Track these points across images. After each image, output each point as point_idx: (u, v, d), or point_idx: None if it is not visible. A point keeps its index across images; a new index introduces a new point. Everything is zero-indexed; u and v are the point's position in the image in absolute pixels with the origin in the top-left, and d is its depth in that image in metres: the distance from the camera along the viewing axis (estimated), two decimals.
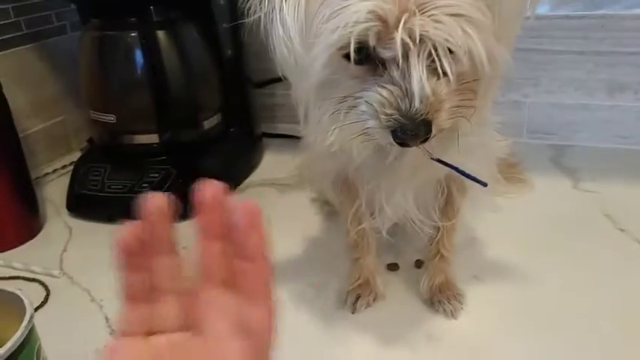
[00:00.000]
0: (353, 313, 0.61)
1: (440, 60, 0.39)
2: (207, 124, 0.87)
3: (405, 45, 0.39)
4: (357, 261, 0.64)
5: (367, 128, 0.43)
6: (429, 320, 0.60)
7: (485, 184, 0.51)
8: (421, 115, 0.40)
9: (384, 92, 0.41)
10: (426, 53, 0.39)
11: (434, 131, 0.41)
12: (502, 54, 0.42)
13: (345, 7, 0.39)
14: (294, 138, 1.05)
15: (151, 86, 0.80)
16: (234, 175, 0.93)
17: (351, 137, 0.45)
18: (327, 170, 0.59)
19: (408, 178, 0.53)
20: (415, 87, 0.39)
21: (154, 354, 0.32)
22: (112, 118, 0.82)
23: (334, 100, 0.45)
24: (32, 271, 0.72)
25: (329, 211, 0.80)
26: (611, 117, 0.96)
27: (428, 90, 0.40)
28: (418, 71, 0.39)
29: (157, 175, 0.82)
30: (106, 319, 0.63)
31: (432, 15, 0.38)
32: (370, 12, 0.38)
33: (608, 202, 0.79)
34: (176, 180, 0.81)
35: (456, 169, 0.50)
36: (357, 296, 0.62)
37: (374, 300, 0.62)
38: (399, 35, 0.38)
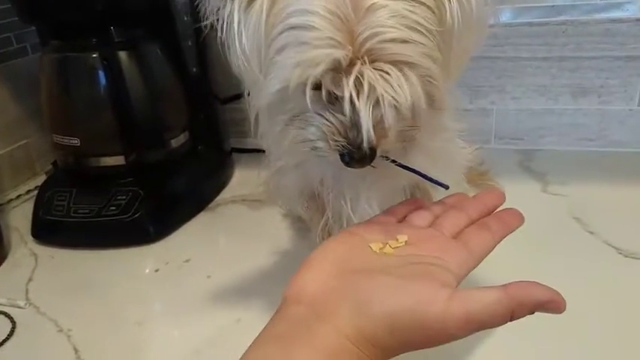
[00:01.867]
0: None
1: (385, 109, 0.42)
2: (175, 143, 0.86)
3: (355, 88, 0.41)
4: None
5: (316, 147, 0.46)
6: None
7: (446, 187, 0.51)
8: (368, 143, 0.43)
9: (335, 121, 0.43)
10: (373, 100, 0.41)
11: (378, 154, 0.44)
12: (448, 91, 0.45)
13: (302, 51, 0.40)
14: (264, 152, 1.04)
15: (114, 107, 0.78)
16: (205, 193, 0.91)
17: (301, 151, 0.47)
18: (292, 185, 0.58)
19: (371, 185, 0.53)
20: (363, 129, 0.42)
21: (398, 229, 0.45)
22: (76, 141, 0.80)
23: (286, 116, 0.47)
24: None
25: (301, 227, 0.80)
26: (576, 120, 0.97)
27: (372, 133, 0.42)
28: (365, 117, 0.41)
29: (124, 197, 0.80)
30: (75, 349, 0.61)
31: (380, 67, 0.40)
32: (326, 60, 0.40)
33: (577, 205, 0.80)
34: (144, 201, 0.80)
35: (416, 171, 0.50)
36: None
37: None
38: (350, 85, 0.40)
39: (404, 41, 0.40)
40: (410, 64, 0.40)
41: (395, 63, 0.40)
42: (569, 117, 0.97)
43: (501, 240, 0.47)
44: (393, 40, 0.40)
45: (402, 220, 0.49)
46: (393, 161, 0.49)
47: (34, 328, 0.66)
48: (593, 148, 0.98)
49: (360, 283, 0.38)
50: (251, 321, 0.64)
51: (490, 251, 0.46)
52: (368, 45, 0.40)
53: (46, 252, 0.81)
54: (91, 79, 0.78)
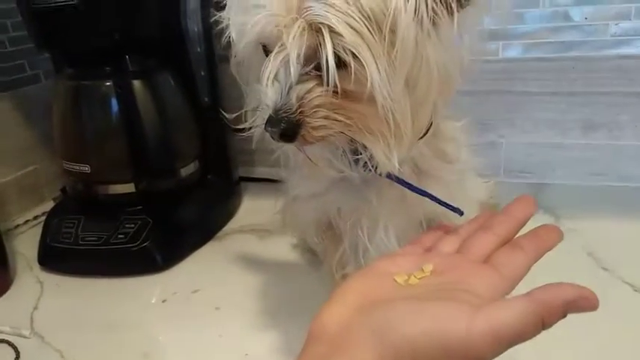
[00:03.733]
0: None
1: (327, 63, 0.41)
2: (185, 172, 0.86)
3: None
4: None
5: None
6: None
7: (461, 213, 0.50)
8: (284, 112, 0.42)
9: (269, 88, 0.44)
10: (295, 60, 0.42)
11: (306, 135, 0.44)
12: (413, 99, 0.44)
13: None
14: (272, 182, 1.04)
15: (126, 135, 0.78)
16: (213, 222, 0.91)
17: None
18: (309, 214, 0.58)
19: (388, 215, 0.53)
20: (267, 88, 0.43)
21: (424, 259, 0.43)
22: (87, 168, 0.80)
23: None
24: (0, 332, 0.69)
25: (310, 258, 0.79)
26: (586, 155, 0.97)
27: (282, 92, 0.42)
28: (270, 69, 0.42)
29: (133, 225, 0.79)
30: None
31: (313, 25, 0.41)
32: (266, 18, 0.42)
33: (590, 240, 0.79)
34: (153, 230, 0.79)
35: (429, 195, 0.50)
36: None
37: None
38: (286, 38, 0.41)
39: (326, 4, 0.40)
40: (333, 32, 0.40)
41: (312, 26, 0.41)
42: (579, 151, 0.97)
43: (538, 259, 0.43)
44: (318, 3, 0.40)
45: (429, 249, 0.47)
46: (409, 185, 0.48)
47: (39, 358, 0.65)
48: (603, 183, 0.97)
49: (379, 312, 0.36)
50: (259, 356, 0.62)
51: (525, 272, 0.42)
52: (307, 13, 0.41)
53: (52, 280, 0.80)
54: (104, 107, 0.79)
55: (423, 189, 0.49)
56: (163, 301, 0.74)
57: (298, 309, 0.70)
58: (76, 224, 0.81)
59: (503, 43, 0.93)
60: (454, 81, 0.46)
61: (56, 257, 0.81)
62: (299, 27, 0.41)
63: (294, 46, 0.41)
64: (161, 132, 0.80)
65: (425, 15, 0.41)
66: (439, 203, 0.50)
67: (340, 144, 0.48)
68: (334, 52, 0.40)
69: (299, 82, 0.43)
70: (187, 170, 0.86)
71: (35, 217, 0.97)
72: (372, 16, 0.41)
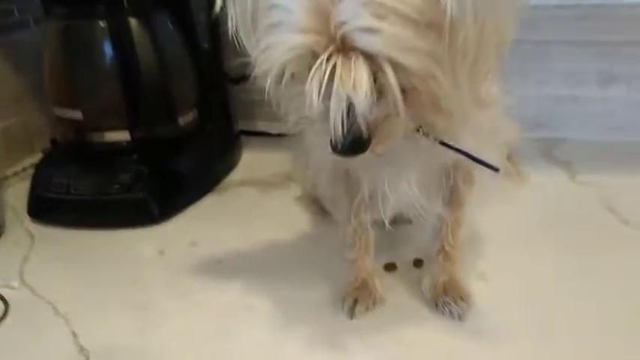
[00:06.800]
0: (351, 319, 0.56)
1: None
2: (183, 121, 0.81)
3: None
4: (354, 262, 0.59)
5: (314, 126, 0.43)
6: (434, 323, 0.55)
7: (497, 170, 0.46)
8: (354, 133, 0.40)
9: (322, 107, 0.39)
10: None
11: (373, 147, 0.41)
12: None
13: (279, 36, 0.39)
14: (273, 136, 1.00)
15: (121, 79, 0.74)
16: (212, 174, 0.87)
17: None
18: (325, 163, 0.54)
19: (413, 162, 0.49)
20: (332, 125, 0.39)
21: None
22: (79, 115, 0.75)
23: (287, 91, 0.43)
24: None
25: (316, 209, 0.75)
26: (602, 109, 0.93)
27: (345, 126, 0.39)
28: (334, 109, 0.38)
29: (128, 175, 0.75)
30: (74, 334, 0.57)
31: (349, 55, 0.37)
32: (300, 46, 0.38)
33: (608, 195, 0.76)
34: (149, 180, 0.75)
35: (464, 152, 0.46)
36: (355, 300, 0.57)
37: (373, 304, 0.57)
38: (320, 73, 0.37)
39: (371, 31, 0.36)
40: (374, 56, 0.37)
41: (361, 53, 0.37)
42: (595, 105, 0.93)
43: None
44: (361, 30, 0.36)
45: None
46: (441, 142, 0.44)
47: (30, 310, 0.61)
48: (618, 137, 0.93)
49: None
50: (264, 308, 0.59)
51: None
52: (341, 32, 0.37)
53: (43, 232, 0.76)
54: (97, 49, 0.74)
55: (461, 148, 0.46)
56: (160, 253, 0.70)
57: (304, 259, 0.67)
58: (67, 174, 0.76)
59: None
60: (509, 36, 0.43)
61: (47, 208, 0.77)
62: (352, 60, 0.36)
63: (357, 89, 0.37)
64: (158, 76, 0.75)
65: None
66: (477, 162, 0.46)
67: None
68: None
69: None
70: (185, 119, 0.81)
71: (24, 169, 0.92)
72: (426, 19, 0.37)
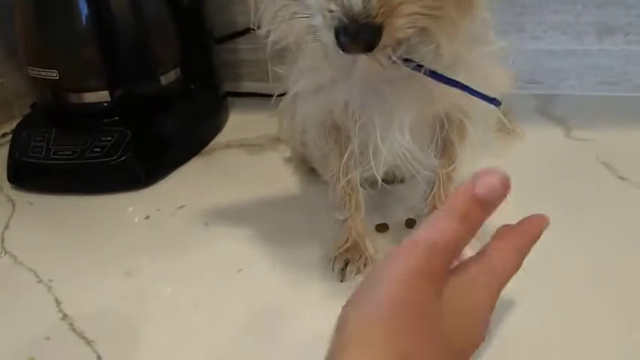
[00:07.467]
0: (342, 281, 0.54)
1: None
2: (165, 80, 0.77)
3: None
4: (344, 222, 0.57)
5: (313, 26, 0.38)
6: None
7: (497, 103, 0.44)
8: (366, 17, 0.35)
9: None
10: None
11: (385, 39, 0.36)
12: None
13: None
14: (260, 96, 0.97)
15: (97, 35, 0.70)
16: (198, 136, 0.84)
17: (297, 34, 0.41)
18: (311, 112, 0.51)
19: (404, 110, 0.46)
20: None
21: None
22: (55, 74, 0.71)
23: None
24: None
25: (306, 170, 0.73)
26: (599, 62, 0.90)
27: None
28: None
29: (109, 138, 0.72)
30: (57, 301, 0.55)
31: None
32: None
33: (604, 150, 0.74)
34: (132, 143, 0.72)
35: (463, 86, 0.43)
36: (346, 262, 0.55)
37: (365, 265, 0.55)
38: None
39: None
40: None
41: None
42: (592, 58, 0.90)
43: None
44: None
45: None
46: (441, 77, 0.42)
47: (11, 278, 0.59)
48: (615, 93, 0.91)
49: None
50: (253, 271, 0.58)
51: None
52: None
53: (24, 198, 0.74)
54: (70, 3, 0.69)
55: (455, 79, 0.43)
56: (146, 218, 0.68)
57: (293, 222, 0.65)
58: (46, 137, 0.73)
59: None
60: None
61: (27, 174, 0.74)
62: None
63: None
64: (136, 31, 0.71)
65: None
66: (473, 94, 0.43)
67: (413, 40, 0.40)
68: None
69: None
70: (168, 78, 0.78)
71: (4, 135, 0.89)
72: None
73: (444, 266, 0.33)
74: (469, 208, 0.33)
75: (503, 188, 0.33)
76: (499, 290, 0.36)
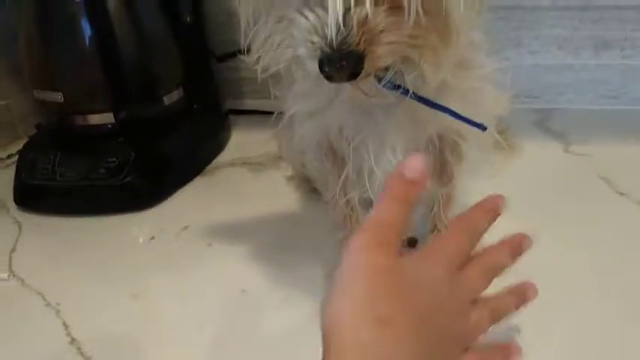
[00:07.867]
0: None
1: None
2: (168, 100, 0.78)
3: None
4: (345, 241, 0.58)
5: (297, 56, 0.39)
6: None
7: (483, 128, 0.45)
8: (348, 45, 0.36)
9: (311, 16, 0.36)
10: None
11: (368, 67, 0.37)
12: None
13: None
14: (262, 114, 0.97)
15: (100, 57, 0.71)
16: (202, 155, 0.85)
17: (283, 63, 0.42)
18: (307, 135, 0.52)
19: (396, 134, 0.47)
20: (330, 14, 0.35)
21: None
22: (60, 97, 0.72)
23: (271, 17, 0.41)
24: None
25: (308, 189, 0.74)
26: (596, 76, 0.91)
27: (340, 19, 0.35)
28: (332, 4, 0.35)
29: (114, 158, 0.73)
30: (64, 325, 0.56)
31: None
32: None
33: (603, 165, 0.75)
34: (136, 163, 0.73)
35: (450, 111, 0.44)
36: None
37: None
38: None
39: None
40: None
41: None
42: (589, 73, 0.91)
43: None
44: None
45: None
46: (430, 102, 0.43)
47: (19, 301, 0.60)
48: (613, 107, 0.92)
49: None
50: (256, 292, 0.58)
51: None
52: None
53: (30, 220, 0.75)
54: (73, 26, 0.70)
55: (443, 105, 0.44)
56: (151, 239, 0.69)
57: (296, 241, 0.66)
58: (52, 159, 0.74)
59: None
60: None
61: (33, 195, 0.75)
62: None
63: None
64: (139, 52, 0.72)
65: None
66: (460, 119, 0.44)
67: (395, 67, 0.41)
68: None
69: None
70: (171, 98, 0.79)
71: (9, 156, 0.90)
72: None
73: (396, 238, 0.37)
74: (405, 189, 0.37)
75: (424, 167, 0.37)
76: (451, 270, 0.39)
